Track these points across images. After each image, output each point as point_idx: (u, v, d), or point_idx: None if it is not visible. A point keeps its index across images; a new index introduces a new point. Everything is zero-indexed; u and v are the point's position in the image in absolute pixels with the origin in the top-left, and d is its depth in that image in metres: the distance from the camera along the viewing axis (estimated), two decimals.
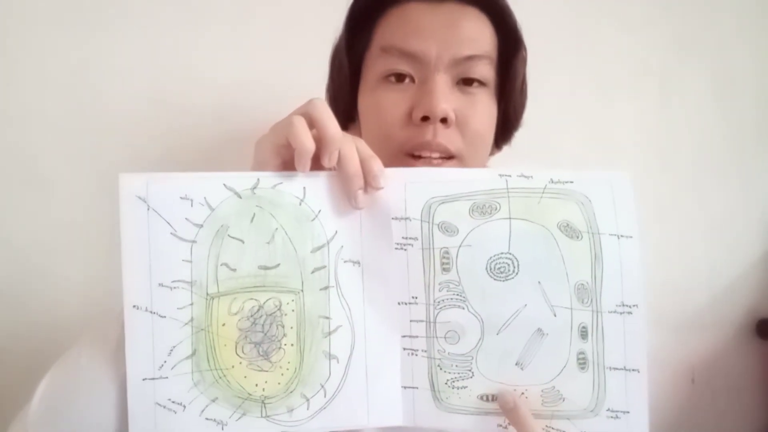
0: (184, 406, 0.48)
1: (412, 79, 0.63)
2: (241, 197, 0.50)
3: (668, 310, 1.14)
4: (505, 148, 0.75)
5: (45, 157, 0.88)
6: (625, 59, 1.11)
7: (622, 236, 0.52)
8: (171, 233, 0.49)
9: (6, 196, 0.87)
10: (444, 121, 0.61)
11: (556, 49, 1.05)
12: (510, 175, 0.53)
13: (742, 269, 1.19)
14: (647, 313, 0.51)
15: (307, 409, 0.50)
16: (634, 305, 0.51)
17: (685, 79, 1.14)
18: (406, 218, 0.52)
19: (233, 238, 0.50)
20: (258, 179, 0.50)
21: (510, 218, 0.52)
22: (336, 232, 0.51)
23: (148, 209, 0.48)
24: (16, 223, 0.87)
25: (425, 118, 0.61)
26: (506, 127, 0.72)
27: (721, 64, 1.16)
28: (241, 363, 0.49)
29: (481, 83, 0.65)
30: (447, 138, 0.62)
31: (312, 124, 0.49)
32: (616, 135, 1.11)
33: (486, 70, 0.65)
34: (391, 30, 0.65)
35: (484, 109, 0.65)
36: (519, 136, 0.75)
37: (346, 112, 0.70)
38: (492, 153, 0.72)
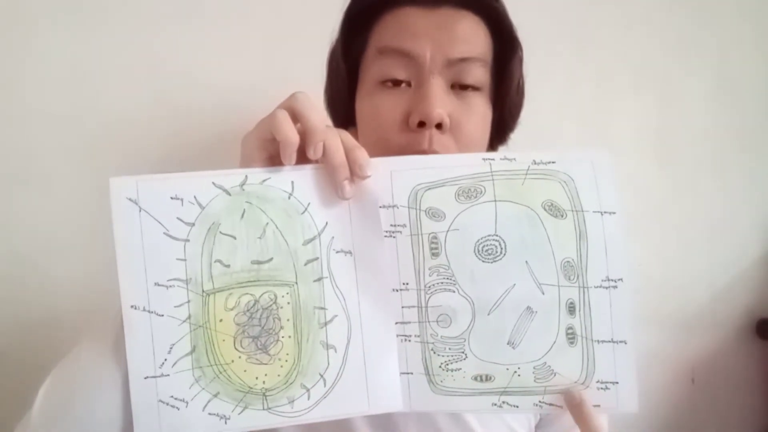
0: (187, 403, 0.49)
1: (408, 84, 0.64)
2: (230, 194, 0.51)
3: (668, 310, 1.15)
4: (502, 148, 0.76)
5: (45, 157, 0.88)
6: (625, 59, 1.11)
7: (605, 213, 0.53)
8: (164, 233, 0.49)
9: (6, 196, 0.88)
10: (439, 126, 0.62)
11: (555, 49, 1.06)
12: (493, 159, 0.54)
13: (742, 269, 1.20)
14: (631, 285, 0.52)
15: (308, 399, 0.51)
16: (618, 279, 0.52)
17: (685, 79, 1.15)
18: (393, 206, 0.53)
19: (225, 234, 0.50)
20: (246, 176, 0.51)
21: (495, 201, 0.53)
22: (326, 223, 0.52)
23: (140, 211, 0.49)
24: (16, 223, 0.88)
25: (421, 124, 0.61)
26: (502, 128, 0.73)
27: (721, 63, 1.17)
28: (240, 357, 0.50)
29: (476, 88, 0.65)
30: (442, 144, 0.62)
31: (295, 117, 0.50)
32: (615, 134, 1.12)
33: (480, 73, 0.65)
34: (386, 32, 0.66)
35: (478, 113, 0.66)
36: (518, 136, 0.76)
37: (346, 116, 0.70)
38: None
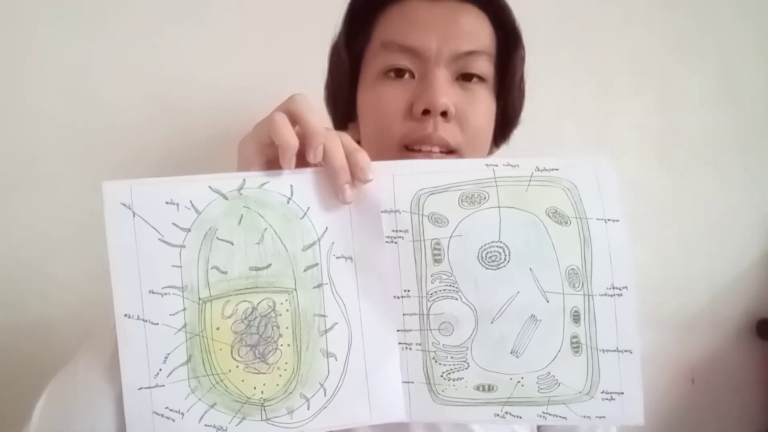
0: (183, 414, 0.48)
1: (412, 75, 0.64)
2: (227, 199, 0.49)
3: (668, 310, 1.15)
4: (504, 147, 0.75)
5: (45, 157, 0.88)
6: (625, 58, 1.11)
7: (609, 220, 0.52)
8: (158, 239, 0.48)
9: (6, 196, 0.87)
10: (444, 114, 0.61)
11: (556, 48, 1.05)
12: (497, 165, 0.53)
13: (742, 269, 1.20)
14: (637, 293, 0.51)
15: (308, 409, 0.50)
16: (624, 287, 0.51)
17: (685, 79, 1.15)
18: (395, 211, 0.52)
19: (222, 240, 0.49)
20: (244, 180, 0.50)
21: (499, 207, 0.52)
22: (326, 228, 0.51)
23: (134, 216, 0.48)
24: (16, 223, 0.87)
25: (426, 112, 0.61)
26: (505, 125, 0.73)
27: (721, 63, 1.16)
28: (237, 366, 0.49)
29: (481, 79, 0.65)
30: (447, 132, 0.62)
31: (294, 120, 0.49)
32: (616, 134, 1.12)
33: (485, 66, 0.65)
34: (391, 26, 0.65)
35: (483, 104, 0.66)
36: (518, 135, 0.76)
37: (346, 110, 0.70)
38: (490, 152, 0.72)
